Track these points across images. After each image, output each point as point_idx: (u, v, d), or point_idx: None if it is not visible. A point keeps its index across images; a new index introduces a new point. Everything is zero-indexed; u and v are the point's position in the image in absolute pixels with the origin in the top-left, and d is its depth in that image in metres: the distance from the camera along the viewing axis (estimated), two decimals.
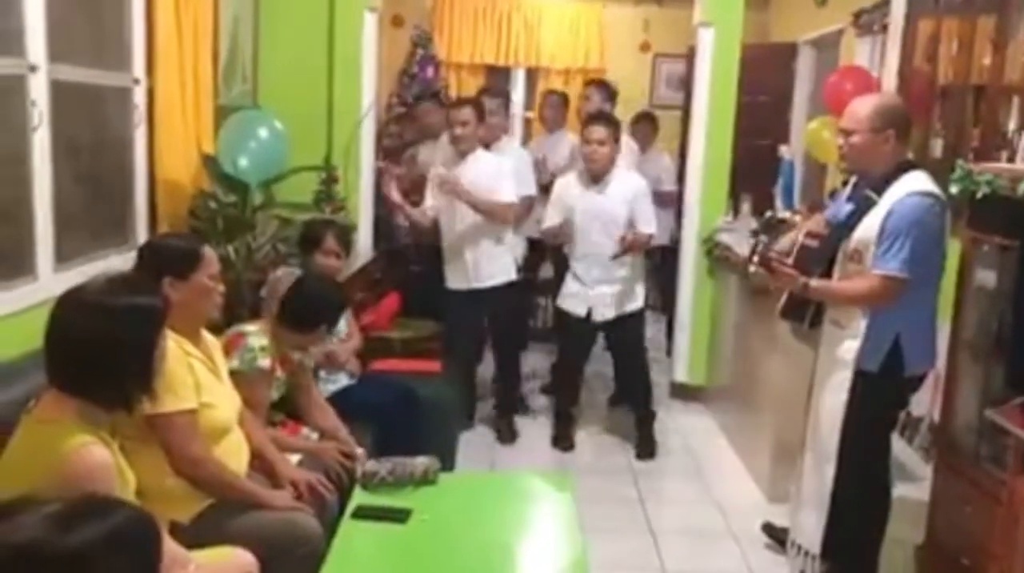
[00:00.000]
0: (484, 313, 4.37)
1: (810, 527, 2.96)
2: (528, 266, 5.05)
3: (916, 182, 2.72)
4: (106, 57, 3.27)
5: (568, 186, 4.18)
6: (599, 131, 4.03)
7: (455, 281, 4.31)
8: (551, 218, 4.17)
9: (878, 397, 2.79)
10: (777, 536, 3.32)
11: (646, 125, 5.88)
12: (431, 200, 4.29)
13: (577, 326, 4.22)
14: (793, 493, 3.15)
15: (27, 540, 1.14)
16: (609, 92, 5.11)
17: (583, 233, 4.11)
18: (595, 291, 4.15)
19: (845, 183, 3.31)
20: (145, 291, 1.92)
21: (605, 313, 4.16)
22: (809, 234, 3.03)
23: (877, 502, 2.94)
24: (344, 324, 3.45)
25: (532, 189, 4.68)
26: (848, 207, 2.91)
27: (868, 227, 2.74)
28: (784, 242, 3.10)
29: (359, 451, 2.82)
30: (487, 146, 4.42)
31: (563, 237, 4.20)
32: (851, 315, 2.81)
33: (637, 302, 4.23)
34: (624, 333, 4.26)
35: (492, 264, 4.27)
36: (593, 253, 4.11)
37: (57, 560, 1.14)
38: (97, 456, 1.69)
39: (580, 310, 4.18)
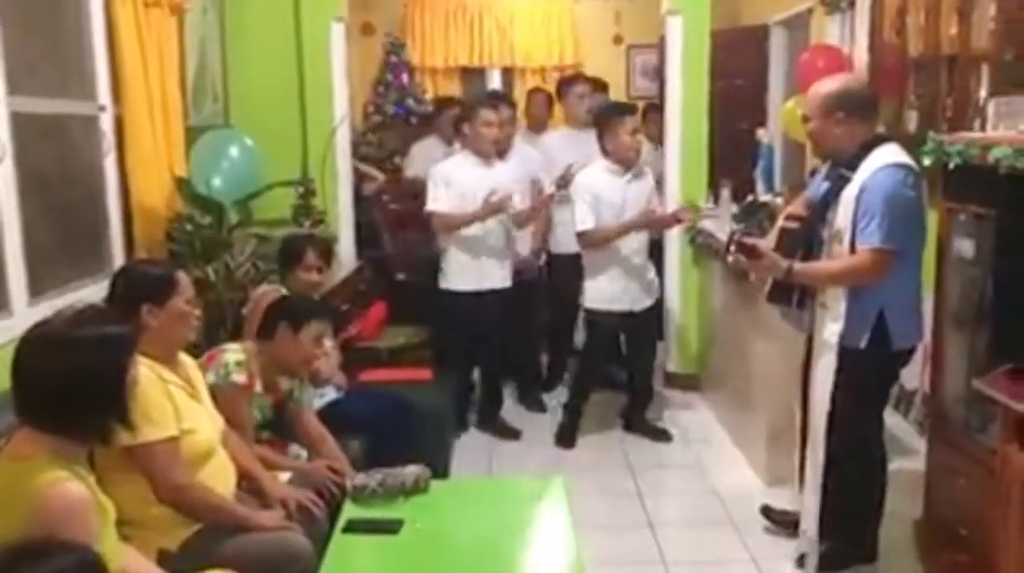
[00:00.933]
0: (490, 314, 4.22)
1: (811, 510, 2.95)
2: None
3: (886, 155, 2.71)
4: (70, 86, 3.24)
5: (595, 182, 4.07)
6: (636, 121, 4.12)
7: (461, 282, 4.20)
8: (585, 219, 4.01)
9: (867, 371, 2.77)
10: (775, 518, 3.31)
11: (660, 117, 5.36)
12: (440, 203, 4.11)
13: (617, 325, 4.22)
14: (798, 477, 3.13)
15: None
16: (601, 85, 5.12)
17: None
18: (638, 281, 4.17)
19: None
20: (112, 320, 1.90)
21: (646, 301, 4.23)
22: (790, 216, 3.01)
23: (874, 477, 2.93)
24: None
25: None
26: (825, 186, 2.90)
27: (846, 205, 2.73)
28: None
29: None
30: (501, 155, 4.34)
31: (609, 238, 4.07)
32: (835, 296, 2.79)
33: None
34: (651, 322, 4.35)
35: (504, 266, 4.29)
36: (636, 241, 4.13)
37: None
38: (72, 491, 1.67)
39: (624, 306, 4.16)
